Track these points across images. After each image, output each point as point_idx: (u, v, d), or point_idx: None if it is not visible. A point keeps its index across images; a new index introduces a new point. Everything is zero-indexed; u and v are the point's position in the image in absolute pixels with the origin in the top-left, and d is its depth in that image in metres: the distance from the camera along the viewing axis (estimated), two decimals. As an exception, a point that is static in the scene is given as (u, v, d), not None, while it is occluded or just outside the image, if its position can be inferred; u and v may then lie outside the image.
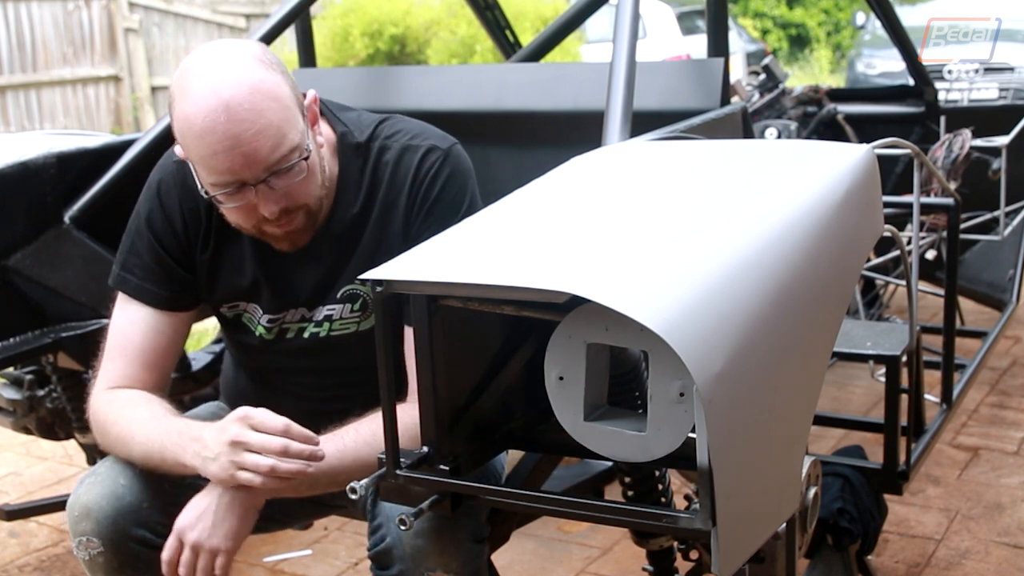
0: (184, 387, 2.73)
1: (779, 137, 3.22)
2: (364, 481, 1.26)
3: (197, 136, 1.45)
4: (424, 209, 1.61)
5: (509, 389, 1.36)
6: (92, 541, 1.53)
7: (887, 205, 1.60)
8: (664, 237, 1.21)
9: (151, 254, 1.67)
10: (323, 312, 1.69)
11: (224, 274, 1.69)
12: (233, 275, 1.68)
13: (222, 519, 1.47)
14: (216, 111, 1.43)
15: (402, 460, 1.26)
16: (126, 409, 1.59)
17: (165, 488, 1.58)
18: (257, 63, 1.48)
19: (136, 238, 1.69)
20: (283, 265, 1.67)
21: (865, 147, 1.47)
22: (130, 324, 1.67)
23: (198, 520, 1.48)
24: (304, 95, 1.57)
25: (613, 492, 1.82)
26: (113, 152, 2.27)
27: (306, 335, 1.70)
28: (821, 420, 2.52)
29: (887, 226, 1.59)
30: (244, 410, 1.46)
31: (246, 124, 1.43)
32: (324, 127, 1.64)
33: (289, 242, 1.60)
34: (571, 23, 3.04)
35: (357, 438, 1.51)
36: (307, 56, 2.92)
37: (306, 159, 1.50)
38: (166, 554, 1.49)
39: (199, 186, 1.53)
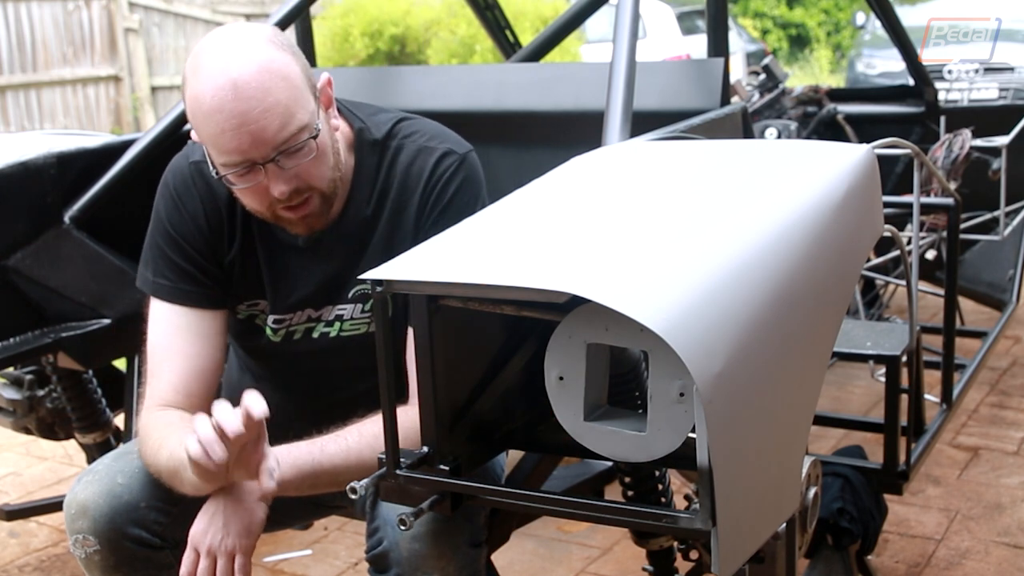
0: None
1: (779, 137, 3.22)
2: (364, 481, 1.26)
3: (206, 115, 1.45)
4: (435, 212, 1.60)
5: (509, 389, 1.36)
6: (88, 539, 1.53)
7: (887, 205, 1.60)
8: (664, 237, 1.21)
9: (180, 254, 1.64)
10: (334, 312, 1.68)
11: (245, 271, 1.67)
12: (251, 272, 1.67)
13: (232, 518, 1.47)
14: (224, 89, 1.43)
15: (402, 460, 1.26)
16: (166, 428, 1.54)
17: (163, 487, 1.58)
18: (267, 43, 1.48)
19: (161, 241, 1.66)
20: (293, 264, 1.66)
21: (865, 147, 1.47)
22: (171, 331, 1.63)
23: (209, 524, 1.48)
24: (317, 78, 1.57)
25: (613, 492, 1.82)
26: (113, 152, 2.27)
27: (315, 335, 1.70)
28: (821, 420, 2.52)
29: (887, 226, 1.59)
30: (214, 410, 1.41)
31: (253, 102, 1.43)
32: (341, 122, 1.63)
33: (305, 227, 1.58)
34: (571, 23, 3.04)
35: (361, 440, 1.51)
36: (307, 56, 2.90)
37: (315, 138, 1.50)
38: (184, 569, 1.48)
39: (211, 168, 1.53)
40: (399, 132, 1.66)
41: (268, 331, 1.71)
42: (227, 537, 1.47)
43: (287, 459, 1.49)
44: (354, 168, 1.63)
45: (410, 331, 1.46)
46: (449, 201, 1.60)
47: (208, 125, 1.46)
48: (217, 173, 1.51)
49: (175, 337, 1.63)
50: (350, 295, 1.67)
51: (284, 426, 1.58)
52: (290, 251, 1.65)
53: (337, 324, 1.69)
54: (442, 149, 1.63)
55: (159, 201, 1.68)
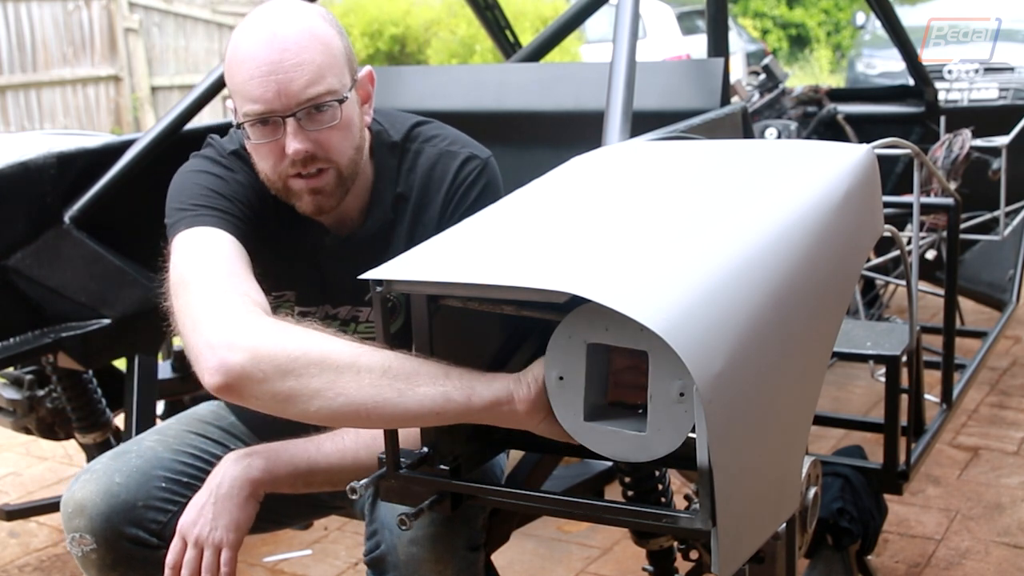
0: (184, 387, 2.73)
1: (779, 137, 3.22)
2: (364, 481, 1.26)
3: (240, 61, 1.49)
4: (456, 215, 1.59)
5: (509, 389, 1.36)
6: (85, 538, 1.53)
7: (887, 205, 1.60)
8: (664, 237, 1.21)
9: (237, 190, 1.55)
10: (350, 312, 1.68)
11: (277, 259, 1.64)
12: (283, 262, 1.66)
13: (221, 511, 1.48)
14: (262, 39, 1.48)
15: (402, 460, 1.26)
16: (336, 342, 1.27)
17: (160, 487, 1.58)
18: (317, 15, 1.53)
19: (205, 182, 1.55)
20: (321, 262, 1.66)
21: (865, 147, 1.47)
22: (222, 249, 1.45)
23: (199, 516, 1.48)
24: (359, 68, 1.59)
25: (613, 492, 1.82)
26: (113, 152, 2.27)
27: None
28: (821, 420, 2.52)
29: (887, 226, 1.59)
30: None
31: (288, 55, 1.47)
32: None
33: (314, 204, 1.55)
34: (571, 23, 3.03)
35: (358, 440, 1.51)
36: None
37: (341, 103, 1.51)
38: (170, 557, 1.48)
39: (233, 121, 1.54)
40: (419, 135, 1.66)
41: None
42: (215, 530, 1.47)
43: (283, 456, 1.49)
44: (374, 170, 1.63)
45: None
46: (471, 205, 1.60)
47: (240, 71, 1.49)
48: (239, 125, 1.52)
49: (228, 256, 1.45)
50: (367, 297, 1.66)
51: (283, 426, 1.58)
52: (319, 250, 1.65)
53: (352, 325, 1.69)
54: (464, 154, 1.63)
55: (194, 165, 1.59)
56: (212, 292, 1.34)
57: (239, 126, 1.53)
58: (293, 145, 1.49)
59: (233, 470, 1.49)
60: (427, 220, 1.62)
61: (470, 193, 1.61)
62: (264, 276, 1.56)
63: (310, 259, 1.66)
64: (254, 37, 1.49)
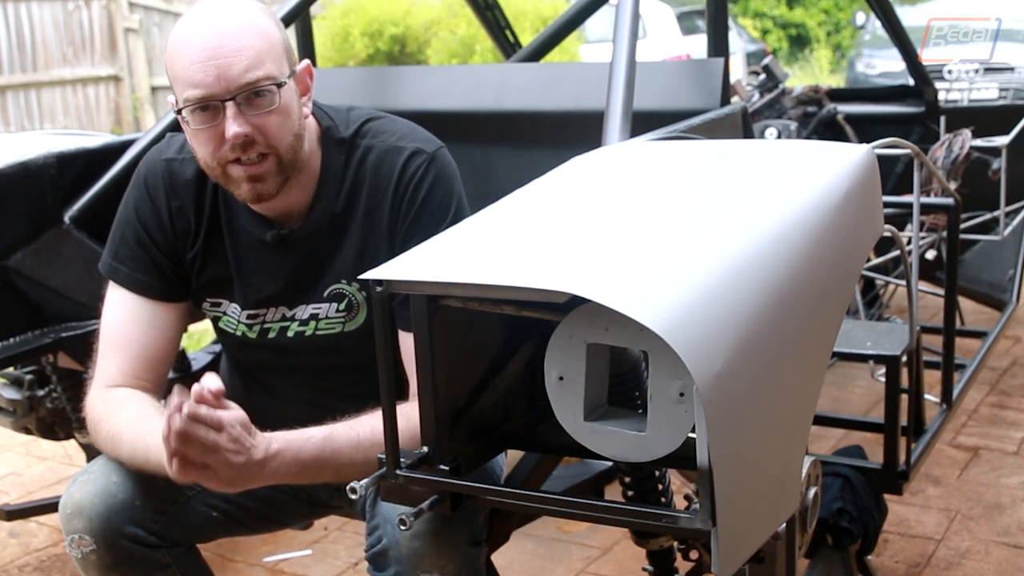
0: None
1: (779, 137, 3.22)
2: (364, 481, 1.26)
3: (180, 49, 1.52)
4: (411, 214, 1.60)
5: (509, 389, 1.36)
6: (84, 539, 1.52)
7: (887, 205, 1.60)
8: (664, 237, 1.21)
9: (139, 244, 1.67)
10: (308, 311, 1.68)
11: (206, 270, 1.69)
12: (215, 270, 1.68)
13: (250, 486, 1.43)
14: (202, 27, 1.51)
15: (402, 460, 1.27)
16: (117, 408, 1.57)
17: (158, 485, 1.57)
18: (256, 8, 1.57)
19: (124, 228, 1.69)
20: (262, 260, 1.66)
21: (865, 147, 1.47)
22: (123, 317, 1.67)
23: (240, 473, 1.40)
24: (299, 61, 1.61)
25: (613, 492, 1.82)
26: (113, 152, 2.27)
27: (290, 334, 1.69)
28: (821, 420, 2.52)
29: (887, 226, 1.59)
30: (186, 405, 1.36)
31: (227, 40, 1.50)
32: (310, 119, 1.64)
33: (253, 191, 1.56)
34: (571, 23, 3.04)
35: (373, 435, 1.49)
36: (307, 56, 2.91)
37: (280, 87, 1.52)
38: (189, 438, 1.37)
39: (174, 107, 1.56)
40: (368, 132, 1.66)
41: (242, 328, 1.71)
42: (232, 485, 1.41)
43: (300, 464, 1.46)
44: (321, 164, 1.64)
45: (402, 335, 1.46)
46: (423, 202, 1.60)
47: (180, 59, 1.51)
48: (179, 111, 1.54)
49: (126, 324, 1.66)
50: (324, 294, 1.66)
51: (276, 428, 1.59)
52: (258, 247, 1.66)
53: (312, 323, 1.68)
54: (411, 148, 1.63)
55: (130, 190, 1.72)
56: (96, 368, 1.66)
57: (179, 112, 1.54)
58: (233, 128, 1.50)
59: (284, 467, 1.43)
60: (379, 218, 1.62)
61: (420, 190, 1.61)
62: (196, 287, 1.68)
63: (252, 259, 1.67)
64: (194, 26, 1.52)
